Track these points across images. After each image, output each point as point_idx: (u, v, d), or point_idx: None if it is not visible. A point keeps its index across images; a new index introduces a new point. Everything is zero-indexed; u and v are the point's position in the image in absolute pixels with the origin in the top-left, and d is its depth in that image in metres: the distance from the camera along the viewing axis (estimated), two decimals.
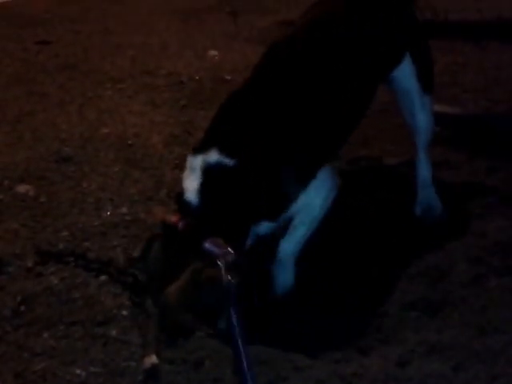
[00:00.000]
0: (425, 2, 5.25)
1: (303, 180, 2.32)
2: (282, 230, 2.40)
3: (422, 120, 2.84)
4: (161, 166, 3.27)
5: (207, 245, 2.06)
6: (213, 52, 4.70)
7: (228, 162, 2.17)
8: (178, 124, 3.68)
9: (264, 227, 2.30)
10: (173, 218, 2.12)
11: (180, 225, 2.09)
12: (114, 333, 2.29)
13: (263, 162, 2.24)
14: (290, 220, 2.38)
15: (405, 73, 2.73)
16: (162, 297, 2.05)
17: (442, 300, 2.36)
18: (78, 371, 2.14)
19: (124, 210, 2.93)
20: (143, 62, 4.54)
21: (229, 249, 2.05)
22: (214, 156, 2.17)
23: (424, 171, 2.89)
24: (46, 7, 5.81)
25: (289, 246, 2.39)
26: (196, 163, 2.20)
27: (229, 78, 4.24)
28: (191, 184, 2.18)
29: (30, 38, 5.02)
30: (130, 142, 3.49)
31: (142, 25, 5.34)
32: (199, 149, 2.23)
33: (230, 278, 2.01)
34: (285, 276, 2.40)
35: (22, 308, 2.40)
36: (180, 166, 3.21)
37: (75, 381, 2.11)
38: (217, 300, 2.05)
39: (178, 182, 3.05)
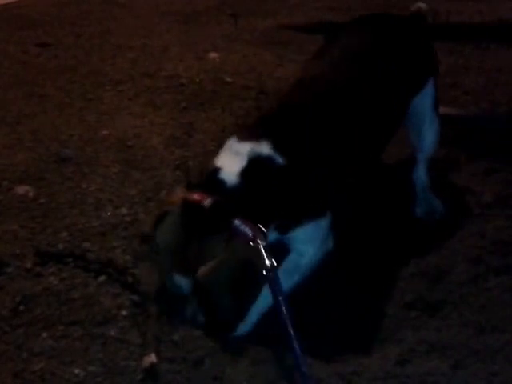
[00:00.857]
0: (426, 5, 5.27)
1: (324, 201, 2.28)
2: None
3: (429, 139, 2.87)
4: (161, 167, 3.26)
5: (238, 222, 1.99)
6: (213, 54, 4.70)
7: (277, 159, 2.13)
8: (178, 126, 3.67)
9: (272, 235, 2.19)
10: (195, 196, 2.05)
11: (206, 202, 2.02)
12: (113, 332, 2.28)
13: (307, 170, 2.20)
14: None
15: (425, 95, 2.77)
16: (198, 276, 1.97)
17: (441, 299, 2.37)
18: (77, 371, 2.14)
19: (124, 210, 2.93)
20: (144, 64, 4.54)
21: (263, 229, 2.00)
22: (265, 149, 2.14)
23: (422, 176, 2.92)
24: (46, 9, 5.82)
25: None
26: (242, 149, 2.14)
27: (229, 80, 4.24)
28: (231, 165, 2.11)
29: (30, 40, 5.03)
30: (130, 143, 3.49)
31: (143, 27, 5.35)
32: (248, 135, 2.20)
33: (272, 261, 1.94)
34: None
35: (21, 308, 2.39)
36: (180, 168, 3.23)
37: (74, 380, 2.11)
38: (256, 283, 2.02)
39: (179, 183, 3.10)
